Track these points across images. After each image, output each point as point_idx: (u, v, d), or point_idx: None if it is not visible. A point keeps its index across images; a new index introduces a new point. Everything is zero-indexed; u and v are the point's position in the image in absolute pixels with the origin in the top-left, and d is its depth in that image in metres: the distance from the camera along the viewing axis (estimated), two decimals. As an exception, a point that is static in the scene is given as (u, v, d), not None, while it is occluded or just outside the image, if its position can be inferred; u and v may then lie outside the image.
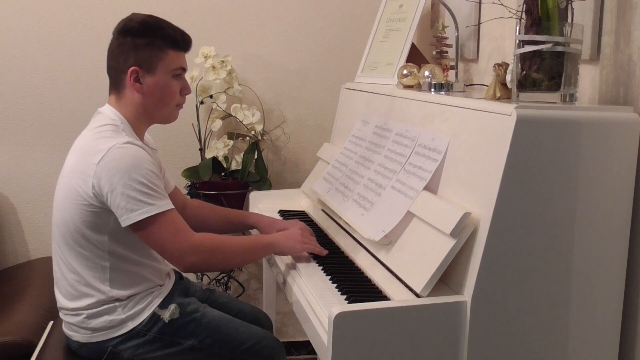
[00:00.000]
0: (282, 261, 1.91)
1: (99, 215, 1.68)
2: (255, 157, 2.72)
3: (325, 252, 1.86)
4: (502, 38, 2.14)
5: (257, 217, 2.11)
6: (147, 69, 1.74)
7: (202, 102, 2.71)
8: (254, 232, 2.16)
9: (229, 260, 1.83)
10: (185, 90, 1.82)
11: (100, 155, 1.64)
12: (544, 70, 1.49)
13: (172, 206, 1.70)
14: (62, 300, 1.78)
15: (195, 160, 2.81)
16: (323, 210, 2.21)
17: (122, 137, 1.69)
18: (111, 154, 1.64)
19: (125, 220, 1.64)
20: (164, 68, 1.75)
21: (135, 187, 1.63)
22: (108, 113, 1.76)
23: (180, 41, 1.78)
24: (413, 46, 2.27)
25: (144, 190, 1.64)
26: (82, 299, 1.73)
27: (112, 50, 1.77)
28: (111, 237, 1.70)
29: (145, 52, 1.73)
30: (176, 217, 1.70)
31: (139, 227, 1.66)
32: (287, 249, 1.86)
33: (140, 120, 1.79)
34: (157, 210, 1.65)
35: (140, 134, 1.80)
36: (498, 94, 1.64)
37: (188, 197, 2.17)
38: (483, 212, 1.41)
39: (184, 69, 1.81)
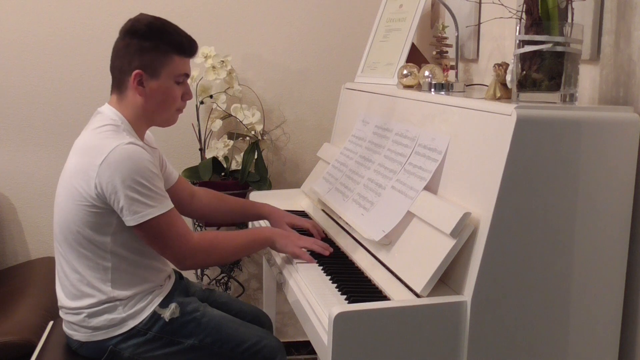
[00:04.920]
0: (283, 261, 1.91)
1: (102, 216, 1.68)
2: (255, 157, 2.72)
3: (314, 260, 1.84)
4: (502, 38, 2.14)
5: (270, 208, 2.15)
6: (151, 73, 1.74)
7: (202, 102, 2.71)
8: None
9: (225, 258, 1.91)
10: (186, 95, 1.82)
11: (102, 157, 1.64)
12: (544, 70, 1.49)
13: (172, 205, 1.71)
14: (63, 299, 1.78)
15: (195, 160, 2.81)
16: (323, 210, 2.21)
17: (124, 137, 1.69)
18: (113, 155, 1.64)
19: (130, 221, 1.65)
20: (167, 73, 1.75)
21: (137, 189, 1.63)
22: (108, 113, 1.76)
23: (186, 47, 1.78)
24: (413, 46, 2.27)
25: (145, 192, 1.64)
26: (83, 298, 1.74)
27: (117, 50, 1.77)
28: (113, 238, 1.71)
29: (151, 56, 1.73)
30: (176, 218, 1.72)
31: (140, 228, 1.67)
32: (282, 247, 1.88)
33: (141, 122, 1.80)
34: (159, 212, 1.66)
35: (140, 135, 1.80)
36: (498, 94, 1.64)
37: (194, 186, 2.18)
38: (483, 212, 1.41)
39: (187, 75, 1.81)
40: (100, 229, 1.69)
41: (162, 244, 1.70)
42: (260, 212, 2.14)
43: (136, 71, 1.73)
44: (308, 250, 1.88)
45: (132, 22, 1.77)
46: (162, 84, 1.75)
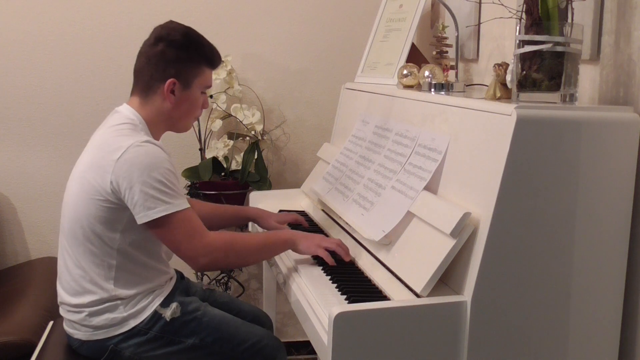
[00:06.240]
0: (282, 261, 1.91)
1: (114, 212, 1.68)
2: (255, 157, 2.72)
3: (333, 262, 1.81)
4: (502, 38, 2.14)
5: (257, 210, 2.19)
6: (184, 83, 1.77)
7: (202, 102, 2.71)
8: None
9: (243, 258, 1.85)
10: (205, 104, 1.87)
11: (120, 152, 1.65)
12: (544, 70, 1.49)
13: (189, 205, 1.71)
14: (64, 296, 1.78)
15: (195, 160, 2.81)
16: (323, 210, 2.21)
17: (141, 135, 1.71)
18: (131, 151, 1.65)
19: (142, 217, 1.65)
20: (198, 84, 1.80)
21: (154, 186, 1.64)
22: (126, 113, 1.78)
23: (215, 60, 1.83)
24: (413, 46, 2.27)
25: (162, 188, 1.65)
26: (84, 295, 1.74)
27: (150, 56, 1.76)
28: (123, 235, 1.71)
29: (186, 67, 1.76)
30: (192, 216, 1.71)
31: (155, 225, 1.67)
32: (304, 247, 1.84)
33: (160, 126, 1.82)
34: (174, 209, 1.66)
35: (156, 137, 1.82)
36: (498, 94, 1.64)
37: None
38: (483, 212, 1.41)
39: (210, 86, 1.87)
40: (111, 224, 1.70)
41: (176, 241, 1.69)
42: (249, 215, 2.18)
43: (171, 79, 1.75)
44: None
45: (167, 30, 1.78)
46: (192, 94, 1.80)
